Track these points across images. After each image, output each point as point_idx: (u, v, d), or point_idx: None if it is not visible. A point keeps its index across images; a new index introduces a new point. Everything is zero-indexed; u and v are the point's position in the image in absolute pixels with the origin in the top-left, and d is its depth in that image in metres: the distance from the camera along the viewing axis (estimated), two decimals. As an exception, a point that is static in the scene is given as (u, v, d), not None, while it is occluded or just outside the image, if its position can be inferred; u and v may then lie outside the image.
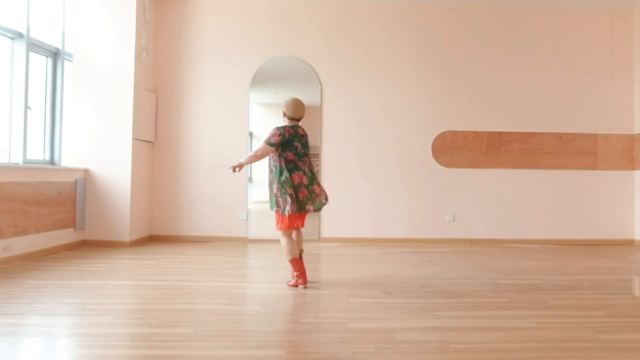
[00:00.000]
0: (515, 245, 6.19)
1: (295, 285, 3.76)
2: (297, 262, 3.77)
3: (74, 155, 5.70)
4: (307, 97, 6.53)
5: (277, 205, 3.75)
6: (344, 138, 6.36)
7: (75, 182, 5.52)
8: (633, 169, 6.41)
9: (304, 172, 3.80)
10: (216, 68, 6.35)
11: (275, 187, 3.78)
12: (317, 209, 3.85)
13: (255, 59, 6.36)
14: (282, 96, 6.90)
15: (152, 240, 6.21)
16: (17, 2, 5.00)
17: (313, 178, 3.84)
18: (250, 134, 6.43)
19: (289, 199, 3.67)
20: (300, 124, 3.95)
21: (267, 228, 6.48)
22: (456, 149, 6.37)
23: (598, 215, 6.38)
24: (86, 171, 5.69)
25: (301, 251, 3.93)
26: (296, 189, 3.73)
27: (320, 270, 4.60)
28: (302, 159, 3.81)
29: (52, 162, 5.59)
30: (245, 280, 4.15)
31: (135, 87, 5.75)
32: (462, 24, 6.46)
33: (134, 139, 5.72)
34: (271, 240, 6.26)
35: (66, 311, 3.07)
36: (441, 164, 6.36)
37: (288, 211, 3.68)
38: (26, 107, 5.01)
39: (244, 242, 6.17)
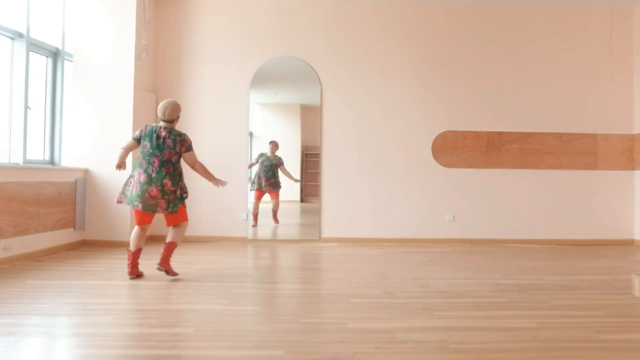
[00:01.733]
0: (515, 245, 6.20)
1: (129, 274, 3.98)
2: (130, 254, 3.97)
3: (74, 155, 5.70)
4: (307, 97, 6.55)
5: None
6: (344, 138, 6.36)
7: (75, 182, 5.52)
8: (633, 169, 6.41)
9: (145, 171, 3.93)
10: (216, 68, 6.35)
11: None
12: (146, 210, 3.91)
13: (255, 59, 6.36)
14: (282, 96, 6.95)
15: (152, 240, 6.20)
16: (17, 2, 5.00)
17: (154, 181, 3.90)
18: (250, 134, 6.44)
19: (126, 189, 3.97)
20: (174, 125, 4.08)
21: (267, 228, 6.49)
22: (456, 149, 6.37)
23: (598, 215, 6.38)
24: (86, 171, 5.69)
25: (170, 245, 4.02)
26: (134, 184, 3.93)
27: (321, 270, 4.60)
28: (147, 158, 3.94)
29: (52, 162, 5.59)
30: (245, 280, 4.15)
31: (135, 87, 5.75)
32: (462, 24, 6.46)
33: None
34: (271, 240, 6.27)
35: (66, 311, 3.07)
36: (441, 164, 6.36)
37: (123, 200, 3.96)
38: (26, 107, 5.02)
39: (244, 242, 6.17)
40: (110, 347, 2.46)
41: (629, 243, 6.35)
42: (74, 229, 5.49)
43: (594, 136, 6.41)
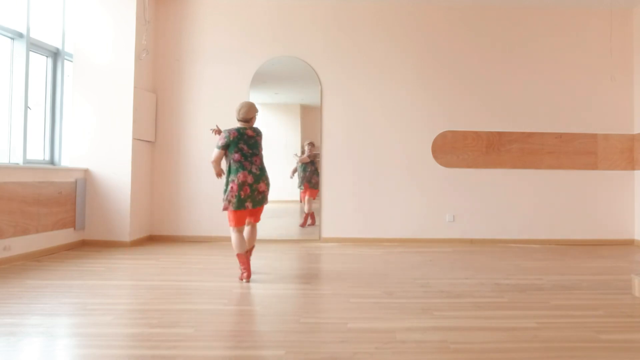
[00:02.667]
0: (515, 245, 6.20)
1: (241, 279, 4.02)
2: (242, 257, 4.02)
3: (74, 155, 5.70)
4: (307, 97, 6.55)
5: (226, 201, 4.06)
6: (344, 138, 6.36)
7: (75, 182, 5.52)
8: (633, 169, 6.41)
9: (250, 172, 4.03)
10: (216, 68, 6.35)
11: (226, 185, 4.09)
12: (256, 205, 4.07)
13: (255, 59, 6.36)
14: (282, 96, 6.95)
15: (152, 240, 6.21)
16: (17, 2, 5.00)
17: (260, 177, 4.08)
18: (250, 134, 6.43)
19: (231, 196, 3.99)
20: (255, 125, 4.24)
21: (266, 228, 6.49)
22: (456, 149, 6.37)
23: (598, 215, 6.38)
24: (86, 171, 5.69)
25: (252, 247, 4.27)
26: (239, 187, 3.98)
27: (321, 270, 4.60)
28: (249, 159, 4.07)
29: (52, 162, 5.59)
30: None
31: (135, 87, 5.75)
32: (462, 23, 6.46)
33: (134, 139, 5.72)
34: (271, 240, 6.26)
35: (66, 311, 3.07)
36: (441, 164, 6.36)
37: (231, 207, 4.00)
38: (26, 107, 5.02)
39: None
40: (110, 347, 2.46)
41: (629, 243, 6.35)
42: (74, 229, 5.49)
43: (594, 136, 6.41)
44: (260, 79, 6.38)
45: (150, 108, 6.19)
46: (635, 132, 6.41)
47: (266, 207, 4.24)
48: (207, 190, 6.26)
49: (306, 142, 6.49)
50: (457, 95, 6.42)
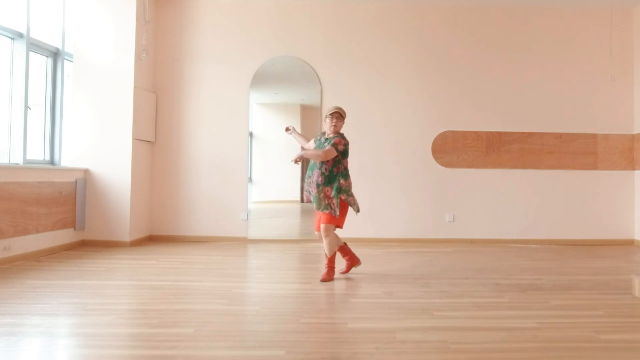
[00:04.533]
0: (515, 245, 6.19)
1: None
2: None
3: (74, 155, 5.70)
4: (307, 97, 6.56)
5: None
6: (344, 138, 6.35)
7: (75, 182, 5.52)
8: (633, 169, 6.41)
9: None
10: (216, 68, 6.35)
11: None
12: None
13: (255, 59, 6.36)
14: (282, 96, 6.95)
15: (152, 240, 6.21)
16: (17, 2, 5.00)
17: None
18: (250, 134, 6.44)
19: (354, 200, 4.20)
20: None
21: (267, 228, 6.49)
22: (456, 149, 6.37)
23: (598, 215, 6.38)
24: (86, 171, 5.69)
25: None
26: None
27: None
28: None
29: (52, 162, 5.59)
30: (245, 280, 4.15)
31: (135, 87, 5.75)
32: (462, 23, 6.46)
33: (134, 139, 5.72)
34: (271, 240, 6.26)
35: (66, 311, 3.07)
36: (441, 164, 6.36)
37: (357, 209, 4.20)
38: (26, 107, 5.02)
39: (244, 242, 6.17)
40: (110, 347, 2.46)
41: (629, 243, 6.35)
42: (74, 229, 5.49)
43: (594, 136, 6.41)
44: (260, 79, 6.38)
45: (150, 108, 6.18)
46: (635, 132, 6.41)
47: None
48: (207, 190, 6.26)
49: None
50: (457, 95, 6.42)
